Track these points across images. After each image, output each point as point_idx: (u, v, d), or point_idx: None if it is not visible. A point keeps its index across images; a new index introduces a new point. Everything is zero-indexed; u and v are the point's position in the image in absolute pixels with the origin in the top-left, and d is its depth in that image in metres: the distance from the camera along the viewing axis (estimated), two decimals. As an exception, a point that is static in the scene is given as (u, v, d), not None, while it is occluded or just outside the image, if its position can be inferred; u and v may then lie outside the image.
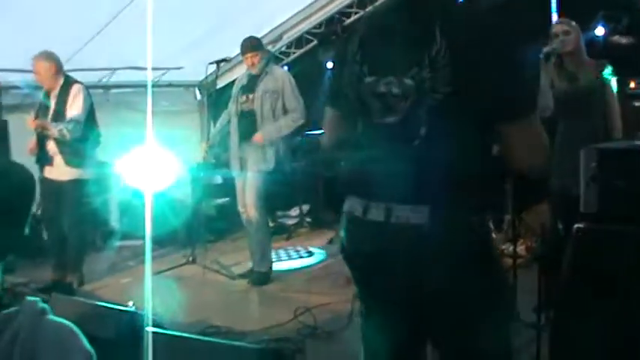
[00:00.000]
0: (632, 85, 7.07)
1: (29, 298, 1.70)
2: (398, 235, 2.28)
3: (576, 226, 3.41)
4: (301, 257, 7.76)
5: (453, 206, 2.25)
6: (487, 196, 2.36)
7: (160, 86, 9.77)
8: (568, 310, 3.47)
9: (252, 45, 6.68)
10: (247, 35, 6.80)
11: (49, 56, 6.54)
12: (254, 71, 6.69)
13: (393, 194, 2.28)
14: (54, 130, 6.39)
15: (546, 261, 4.61)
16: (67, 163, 6.50)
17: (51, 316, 1.71)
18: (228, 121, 6.93)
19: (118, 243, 8.54)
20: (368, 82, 2.38)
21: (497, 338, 2.42)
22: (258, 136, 6.56)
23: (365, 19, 2.74)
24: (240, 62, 8.53)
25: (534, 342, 4.15)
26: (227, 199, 9.08)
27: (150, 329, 1.91)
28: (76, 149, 6.48)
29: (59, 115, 6.49)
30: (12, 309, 1.66)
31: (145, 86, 9.50)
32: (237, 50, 7.80)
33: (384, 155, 2.34)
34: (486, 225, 2.38)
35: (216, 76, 7.19)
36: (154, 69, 9.26)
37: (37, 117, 6.49)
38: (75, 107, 6.51)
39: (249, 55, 6.64)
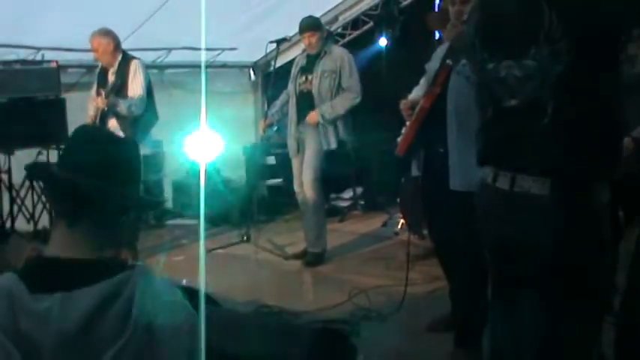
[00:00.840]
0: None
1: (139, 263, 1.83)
2: (520, 203, 2.48)
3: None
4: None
5: (573, 181, 2.39)
6: (608, 164, 2.44)
7: (214, 67, 9.76)
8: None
9: (310, 24, 6.61)
10: (302, 16, 6.73)
11: (107, 33, 6.56)
12: (312, 51, 6.63)
13: (518, 165, 2.47)
14: (123, 106, 6.41)
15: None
16: (129, 138, 6.50)
17: (157, 279, 1.84)
18: (287, 101, 6.88)
19: (171, 221, 8.60)
20: (489, 68, 2.52)
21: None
22: (312, 116, 6.51)
23: (476, 5, 2.78)
24: (296, 43, 8.50)
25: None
26: (280, 180, 9.09)
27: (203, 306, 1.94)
28: (136, 126, 6.48)
29: (120, 91, 6.49)
30: (125, 272, 1.77)
31: (199, 67, 9.55)
32: (292, 31, 7.80)
33: (511, 131, 2.50)
34: (605, 206, 2.45)
35: (277, 55, 7.10)
36: (208, 49, 9.26)
37: (99, 94, 6.48)
38: (137, 83, 6.53)
39: (307, 34, 6.57)
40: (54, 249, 1.83)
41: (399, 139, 4.57)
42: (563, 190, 2.37)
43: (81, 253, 1.81)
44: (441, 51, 4.34)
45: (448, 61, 4.09)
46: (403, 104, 4.60)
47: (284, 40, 7.12)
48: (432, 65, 4.44)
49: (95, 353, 1.69)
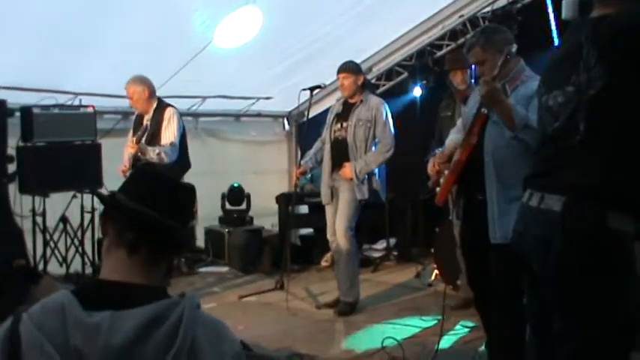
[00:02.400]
0: None
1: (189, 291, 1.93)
2: (540, 218, 2.68)
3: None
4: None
5: (587, 200, 2.53)
6: (632, 199, 2.52)
7: (249, 116, 9.83)
8: None
9: (346, 66, 6.61)
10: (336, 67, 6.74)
11: (142, 80, 6.65)
12: (345, 93, 6.61)
13: (545, 185, 2.70)
14: (152, 154, 6.44)
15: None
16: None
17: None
18: (321, 148, 6.87)
19: (203, 269, 8.57)
20: (543, 100, 2.80)
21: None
22: (346, 172, 6.48)
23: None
24: (331, 92, 8.54)
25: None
26: (311, 230, 9.05)
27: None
28: (168, 172, 6.47)
29: (154, 138, 6.55)
30: (175, 297, 1.87)
31: (233, 115, 9.63)
32: (327, 81, 7.84)
33: (549, 153, 2.74)
34: (624, 233, 2.51)
35: (310, 103, 7.09)
36: (243, 98, 9.34)
37: (135, 141, 6.50)
38: (170, 130, 6.59)
39: (342, 75, 6.57)
40: (108, 273, 1.93)
41: (437, 189, 4.57)
42: (576, 209, 2.54)
43: (135, 279, 1.90)
44: (477, 94, 4.32)
45: (483, 110, 4.08)
46: (439, 156, 4.62)
47: (318, 87, 7.09)
48: (469, 109, 4.43)
49: None
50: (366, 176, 6.49)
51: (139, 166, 1.82)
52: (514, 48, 4.11)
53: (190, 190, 2.13)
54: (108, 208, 2.01)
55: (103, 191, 7.23)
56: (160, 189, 2.02)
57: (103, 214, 2.02)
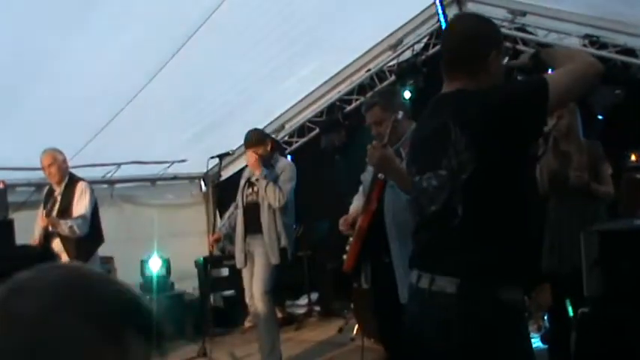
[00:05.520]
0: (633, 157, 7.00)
1: None
2: (435, 301, 2.63)
3: (581, 310, 3.36)
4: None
5: (479, 279, 2.56)
6: (517, 271, 2.62)
7: (165, 179, 9.81)
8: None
9: (252, 141, 6.62)
10: (250, 127, 6.78)
11: (56, 151, 6.58)
12: (256, 171, 6.56)
13: (434, 267, 2.67)
14: (64, 226, 6.37)
15: (555, 345, 4.56)
16: (72, 260, 6.45)
17: None
18: (233, 213, 6.89)
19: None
20: (416, 181, 2.77)
21: None
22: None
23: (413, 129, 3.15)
24: (241, 155, 8.60)
25: None
26: (232, 291, 9.00)
27: None
28: (80, 246, 6.45)
29: (65, 212, 6.49)
30: None
31: (149, 180, 9.60)
32: (240, 142, 7.90)
33: (431, 235, 2.74)
34: (516, 302, 2.61)
35: (219, 168, 7.15)
36: (157, 162, 9.33)
37: (45, 214, 6.45)
38: (82, 204, 6.52)
39: (250, 150, 6.61)
40: None
41: (344, 256, 4.64)
42: (470, 289, 2.55)
43: None
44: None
45: (380, 176, 4.19)
46: (343, 222, 4.69)
47: (227, 154, 7.15)
48: (367, 176, 4.54)
49: None
50: (276, 240, 6.51)
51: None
52: (400, 115, 4.23)
53: None
54: None
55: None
56: None
57: None
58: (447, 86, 2.78)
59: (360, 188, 4.96)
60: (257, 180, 6.49)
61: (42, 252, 6.41)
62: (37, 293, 1.04)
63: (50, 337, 1.00)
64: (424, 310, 2.73)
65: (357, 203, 4.81)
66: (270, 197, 6.35)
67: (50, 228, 6.40)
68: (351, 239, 4.54)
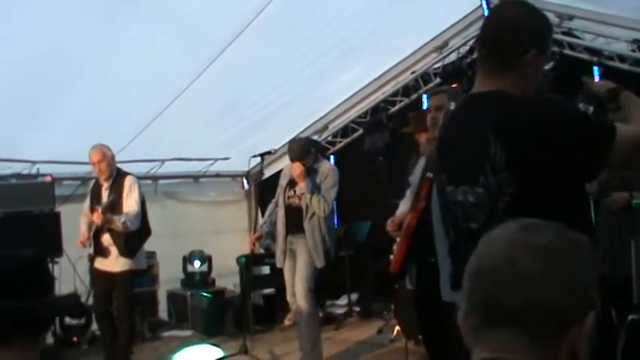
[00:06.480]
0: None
1: None
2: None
3: (630, 317, 3.33)
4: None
5: None
6: None
7: (207, 176, 9.89)
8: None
9: (296, 154, 6.57)
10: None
11: (105, 149, 6.63)
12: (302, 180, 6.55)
13: None
14: (118, 222, 6.45)
15: (601, 352, 4.52)
16: (121, 254, 6.53)
17: None
18: (273, 211, 6.93)
19: (166, 333, 8.54)
20: (449, 191, 2.51)
21: None
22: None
23: (440, 128, 2.82)
24: (283, 155, 8.62)
25: None
26: (273, 289, 9.01)
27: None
28: (129, 240, 6.53)
29: (115, 206, 6.55)
30: None
31: (193, 177, 9.69)
32: (282, 141, 7.95)
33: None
34: None
35: (262, 167, 7.18)
36: (201, 160, 9.41)
37: (93, 210, 6.53)
38: (132, 198, 6.58)
39: (295, 164, 6.54)
40: None
41: (391, 257, 4.65)
42: None
43: None
44: (421, 163, 4.44)
45: (428, 174, 4.19)
46: (390, 223, 4.69)
47: (268, 153, 7.18)
48: (415, 177, 4.54)
49: None
50: (321, 243, 6.52)
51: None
52: (452, 106, 4.22)
53: (30, 258, 1.96)
54: None
55: (64, 258, 7.24)
56: None
57: None
58: (480, 83, 2.49)
59: (407, 192, 4.97)
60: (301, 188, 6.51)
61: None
62: None
63: None
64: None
65: (403, 207, 4.81)
66: (316, 208, 6.40)
67: (104, 224, 6.49)
68: (398, 240, 4.56)
